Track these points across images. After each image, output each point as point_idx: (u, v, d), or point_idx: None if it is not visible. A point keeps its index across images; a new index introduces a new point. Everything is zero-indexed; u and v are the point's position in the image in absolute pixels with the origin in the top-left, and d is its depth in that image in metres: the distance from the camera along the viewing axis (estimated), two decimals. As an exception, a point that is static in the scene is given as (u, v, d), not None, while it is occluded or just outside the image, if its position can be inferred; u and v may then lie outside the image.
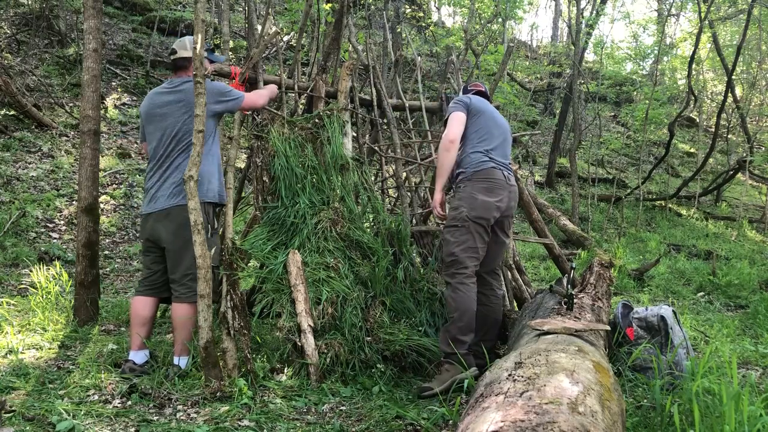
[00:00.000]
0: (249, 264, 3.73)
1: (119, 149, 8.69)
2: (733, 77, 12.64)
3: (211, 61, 3.69)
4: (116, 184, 7.93)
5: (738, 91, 15.70)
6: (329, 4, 8.64)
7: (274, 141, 3.98)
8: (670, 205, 12.71)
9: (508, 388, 1.78)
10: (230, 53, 10.73)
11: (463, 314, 3.24)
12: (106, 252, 6.40)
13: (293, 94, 4.53)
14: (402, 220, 4.20)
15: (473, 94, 3.80)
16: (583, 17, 12.67)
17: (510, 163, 3.61)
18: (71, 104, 9.22)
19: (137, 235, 7.05)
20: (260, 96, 3.80)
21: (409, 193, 4.66)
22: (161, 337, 3.94)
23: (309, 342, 3.26)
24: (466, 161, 3.47)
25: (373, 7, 13.48)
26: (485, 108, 3.60)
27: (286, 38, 11.85)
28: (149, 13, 13.19)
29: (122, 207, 7.51)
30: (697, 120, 18.57)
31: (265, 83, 4.37)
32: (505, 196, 3.43)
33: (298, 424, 2.73)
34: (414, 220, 4.50)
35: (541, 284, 6.69)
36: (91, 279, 4.30)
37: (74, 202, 6.65)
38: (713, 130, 14.29)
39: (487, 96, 3.87)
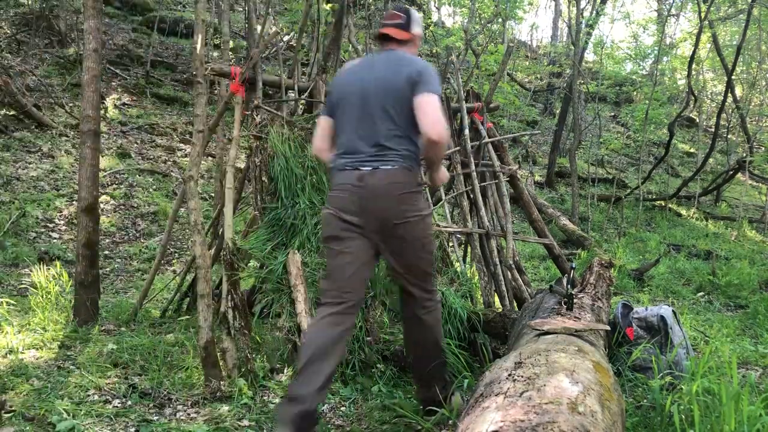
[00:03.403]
0: (249, 264, 3.73)
1: (119, 149, 8.69)
2: (733, 77, 12.64)
3: None
4: (116, 184, 7.93)
5: (738, 91, 15.70)
6: (329, 4, 8.65)
7: (273, 141, 3.98)
8: (670, 205, 12.71)
9: (508, 388, 1.78)
10: (230, 53, 10.74)
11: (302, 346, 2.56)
12: (106, 252, 6.40)
13: (293, 94, 4.53)
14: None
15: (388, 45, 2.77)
16: (583, 17, 12.67)
17: (383, 150, 2.55)
18: (71, 104, 9.22)
19: (137, 235, 7.06)
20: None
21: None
22: (161, 337, 3.94)
23: (309, 342, 3.26)
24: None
25: (373, 7, 13.48)
26: (341, 84, 2.73)
27: (286, 38, 11.86)
28: (149, 13, 13.19)
29: (122, 207, 7.51)
30: (697, 120, 18.57)
31: (265, 83, 4.37)
32: (350, 204, 2.54)
33: (298, 424, 2.73)
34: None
35: (541, 284, 6.69)
36: (91, 279, 4.30)
37: (74, 202, 6.65)
38: (713, 130, 14.28)
39: (385, 39, 2.77)
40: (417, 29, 2.82)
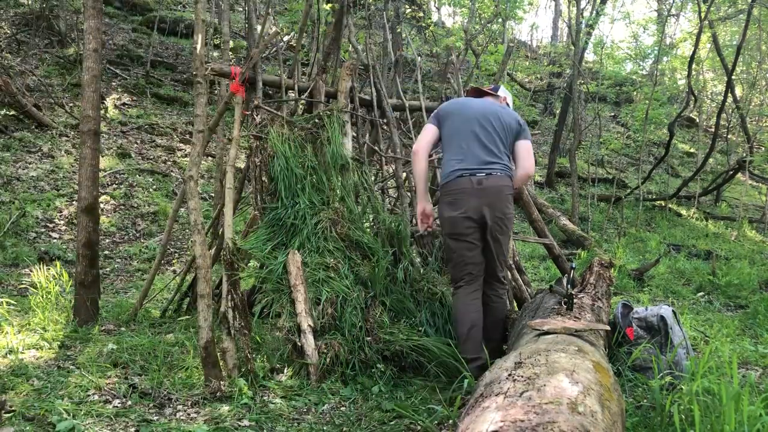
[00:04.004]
0: (249, 264, 3.73)
1: (119, 149, 8.69)
2: (733, 77, 12.64)
3: None
4: (116, 184, 7.93)
5: (738, 91, 15.70)
6: (329, 4, 8.64)
7: (273, 142, 3.98)
8: (670, 205, 12.71)
9: (508, 388, 1.78)
10: (230, 53, 10.74)
11: (456, 323, 3.34)
12: (106, 252, 6.40)
13: (293, 94, 4.53)
14: (402, 220, 4.20)
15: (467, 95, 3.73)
16: (583, 17, 12.67)
17: (493, 161, 3.29)
18: (71, 104, 9.22)
19: (137, 235, 7.06)
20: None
21: (409, 193, 4.66)
22: (161, 337, 3.94)
23: (309, 342, 3.26)
24: (443, 172, 3.41)
25: (373, 7, 13.48)
26: (458, 108, 3.44)
27: (286, 38, 11.86)
28: (149, 13, 13.20)
29: (122, 207, 7.51)
30: (697, 120, 18.56)
31: (264, 83, 4.37)
32: (472, 204, 3.22)
33: (298, 424, 2.73)
34: (414, 220, 4.50)
35: (541, 284, 6.69)
36: (91, 279, 4.30)
37: (74, 202, 6.65)
38: (713, 130, 14.29)
39: (481, 93, 3.67)
40: (503, 94, 3.72)
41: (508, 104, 3.69)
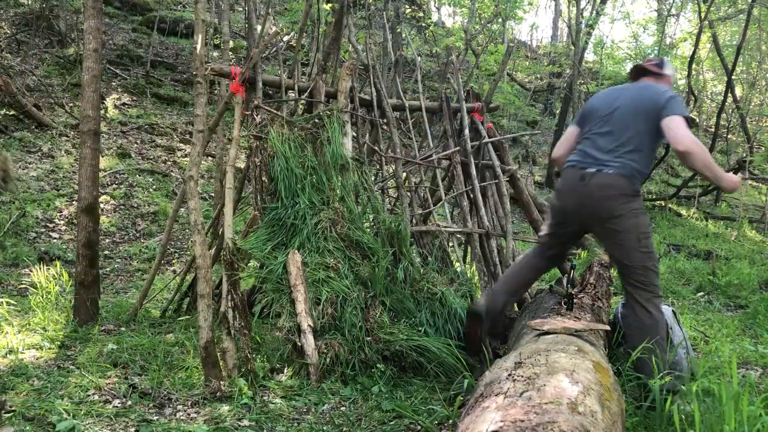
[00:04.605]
0: (249, 264, 3.73)
1: (119, 149, 8.69)
2: (733, 77, 12.64)
3: None
4: (116, 184, 7.93)
5: (738, 91, 15.70)
6: (329, 4, 8.64)
7: (273, 142, 3.98)
8: (670, 205, 12.70)
9: (508, 388, 1.78)
10: (230, 53, 10.74)
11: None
12: (106, 252, 6.40)
13: (293, 94, 4.53)
14: (402, 220, 4.20)
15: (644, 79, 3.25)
16: (583, 17, 12.67)
17: (615, 156, 2.99)
18: (71, 104, 9.22)
19: (137, 235, 7.06)
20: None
21: (409, 193, 4.66)
22: (161, 337, 3.94)
23: (309, 342, 3.26)
24: None
25: (373, 7, 13.48)
26: (601, 101, 3.20)
27: (286, 38, 11.86)
28: (149, 13, 13.19)
29: (122, 207, 7.51)
30: (697, 120, 18.55)
31: (264, 83, 4.37)
32: (571, 198, 3.07)
33: (298, 424, 2.73)
34: (414, 220, 4.50)
35: (541, 284, 6.69)
36: (91, 279, 4.30)
37: (74, 202, 6.65)
38: (713, 130, 14.28)
39: (640, 72, 3.27)
40: (668, 71, 3.26)
41: (666, 75, 3.25)
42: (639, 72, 3.28)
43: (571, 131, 3.33)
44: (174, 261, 6.62)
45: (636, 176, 2.98)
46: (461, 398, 2.95)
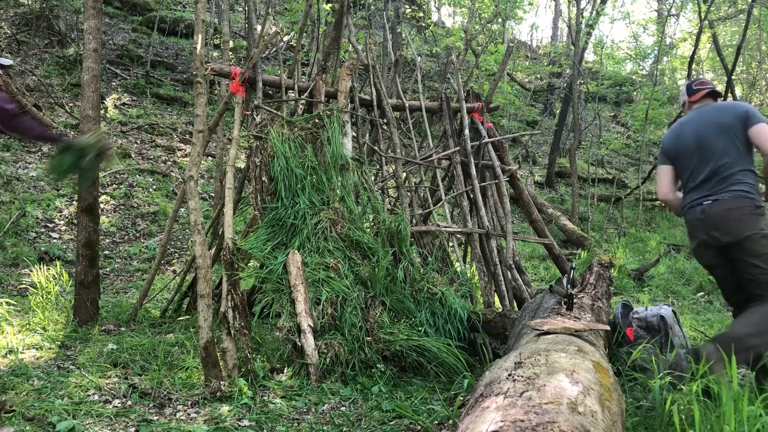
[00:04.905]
0: (249, 264, 3.73)
1: (119, 149, 8.69)
2: (733, 77, 12.63)
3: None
4: (116, 184, 7.93)
5: (738, 91, 15.70)
6: (329, 4, 8.64)
7: (273, 142, 3.98)
8: (670, 205, 12.68)
9: (508, 388, 1.78)
10: (230, 53, 10.74)
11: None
12: (106, 252, 6.40)
13: (293, 94, 4.53)
14: (402, 220, 4.20)
15: (696, 99, 3.27)
16: (583, 17, 12.67)
17: (719, 187, 3.04)
18: (71, 104, 9.22)
19: (137, 235, 7.06)
20: None
21: (409, 193, 4.66)
22: (161, 337, 3.94)
23: (309, 342, 3.26)
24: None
25: (373, 7, 13.48)
26: (676, 142, 3.22)
27: (286, 38, 11.86)
28: (149, 13, 13.19)
29: (122, 207, 7.51)
30: (697, 120, 18.52)
31: (264, 83, 4.37)
32: (701, 235, 3.06)
33: (298, 424, 2.73)
34: (414, 220, 4.51)
35: (541, 284, 6.69)
36: (91, 279, 4.31)
37: (74, 202, 6.65)
38: (713, 130, 14.25)
39: (714, 93, 3.28)
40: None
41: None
42: (708, 95, 3.29)
43: (666, 170, 3.28)
44: (174, 261, 6.62)
45: (754, 192, 3.01)
46: (461, 398, 2.95)
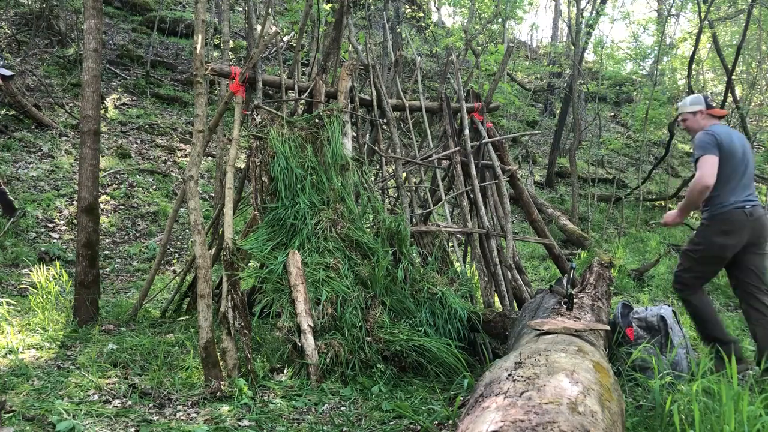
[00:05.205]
0: (249, 264, 3.73)
1: (119, 149, 8.69)
2: (733, 77, 12.63)
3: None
4: (116, 184, 7.93)
5: (738, 91, 15.69)
6: (329, 4, 8.64)
7: (273, 142, 3.98)
8: (670, 205, 12.69)
9: (508, 388, 1.78)
10: (230, 53, 10.74)
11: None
12: (106, 252, 6.40)
13: (293, 94, 4.53)
14: (402, 220, 4.20)
15: (715, 120, 3.70)
16: (583, 17, 12.66)
17: (753, 192, 3.61)
18: (71, 104, 9.22)
19: (137, 235, 7.06)
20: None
21: (409, 193, 4.66)
22: (161, 337, 3.94)
23: (309, 342, 3.26)
24: (711, 202, 3.56)
25: (373, 7, 13.48)
26: (730, 141, 3.54)
27: (286, 38, 11.86)
28: (149, 13, 13.19)
29: (122, 207, 7.51)
30: (697, 120, 18.51)
31: (264, 83, 4.37)
32: (746, 233, 3.50)
33: (298, 424, 2.73)
34: (414, 220, 4.51)
35: (541, 284, 6.69)
36: (91, 279, 4.31)
37: (74, 202, 6.65)
38: (713, 130, 14.25)
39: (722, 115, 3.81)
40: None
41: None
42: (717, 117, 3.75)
43: (717, 161, 3.53)
44: (174, 261, 6.62)
45: None
46: (461, 398, 2.95)
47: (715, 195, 3.51)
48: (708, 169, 3.43)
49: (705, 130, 3.57)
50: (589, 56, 17.84)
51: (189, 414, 2.79)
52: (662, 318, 3.50)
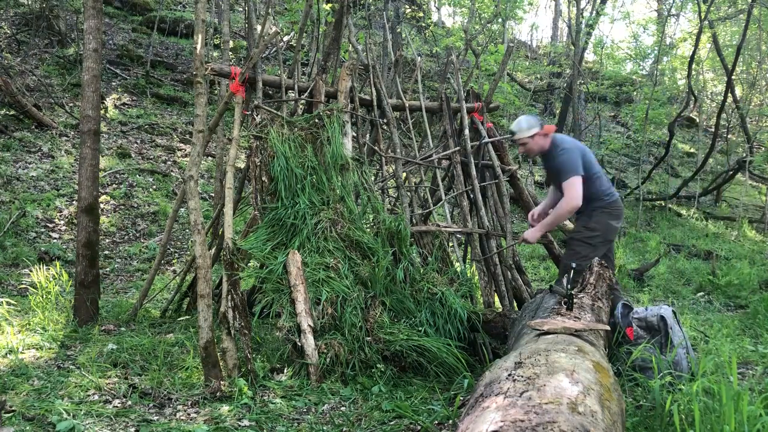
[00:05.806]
0: (249, 264, 3.73)
1: (119, 149, 8.69)
2: (733, 77, 12.63)
3: None
4: (116, 184, 7.93)
5: (738, 91, 15.69)
6: (329, 4, 8.64)
7: (273, 142, 3.98)
8: (670, 205, 12.70)
9: (508, 388, 1.78)
10: (230, 53, 10.74)
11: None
12: (106, 252, 6.40)
13: (293, 94, 4.53)
14: (402, 220, 4.20)
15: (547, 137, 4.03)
16: (583, 17, 12.67)
17: None
18: (71, 104, 9.22)
19: (137, 234, 7.06)
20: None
21: (409, 193, 4.66)
22: (161, 337, 3.94)
23: (309, 342, 3.26)
24: (599, 195, 3.93)
25: (373, 7, 13.48)
26: (583, 147, 3.96)
27: (286, 38, 11.86)
28: (149, 13, 13.19)
29: (122, 207, 7.51)
30: (697, 120, 18.55)
31: (264, 83, 4.37)
32: (621, 218, 4.06)
33: (298, 424, 2.73)
34: (414, 220, 4.50)
35: (541, 284, 6.69)
36: (91, 279, 4.31)
37: (74, 202, 6.65)
38: (713, 130, 14.28)
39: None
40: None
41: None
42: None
43: (580, 180, 3.92)
44: (174, 261, 6.62)
45: None
46: (461, 398, 2.95)
47: (601, 189, 3.92)
48: (576, 191, 3.77)
49: (564, 147, 3.86)
50: (589, 56, 17.85)
51: (189, 414, 2.79)
52: (662, 318, 3.49)
